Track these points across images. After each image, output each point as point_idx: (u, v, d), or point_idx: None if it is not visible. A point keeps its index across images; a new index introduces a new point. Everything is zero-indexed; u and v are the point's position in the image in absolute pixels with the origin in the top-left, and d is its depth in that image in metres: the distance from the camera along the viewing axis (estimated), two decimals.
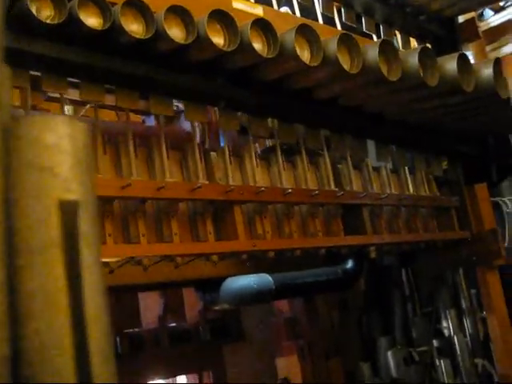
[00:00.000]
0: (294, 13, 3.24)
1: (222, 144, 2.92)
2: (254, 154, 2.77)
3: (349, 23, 3.37)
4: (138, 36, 1.95)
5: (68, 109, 2.64)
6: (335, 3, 3.33)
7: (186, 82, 2.24)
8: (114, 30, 1.92)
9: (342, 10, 3.35)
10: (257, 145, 2.96)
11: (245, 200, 2.59)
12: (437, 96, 2.78)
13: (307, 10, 3.40)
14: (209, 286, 3.62)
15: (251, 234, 2.71)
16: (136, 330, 4.66)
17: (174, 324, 4.87)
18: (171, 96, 2.27)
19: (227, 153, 2.65)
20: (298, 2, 3.24)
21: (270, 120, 2.69)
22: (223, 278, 3.49)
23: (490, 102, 2.91)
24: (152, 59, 2.09)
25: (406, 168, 3.59)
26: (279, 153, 2.89)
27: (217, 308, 4.04)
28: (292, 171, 3.02)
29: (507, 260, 3.94)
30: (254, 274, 3.51)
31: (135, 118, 2.76)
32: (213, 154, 2.66)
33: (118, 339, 4.43)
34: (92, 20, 1.89)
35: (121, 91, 2.14)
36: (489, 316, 3.95)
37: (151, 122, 3.17)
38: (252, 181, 2.73)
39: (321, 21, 3.28)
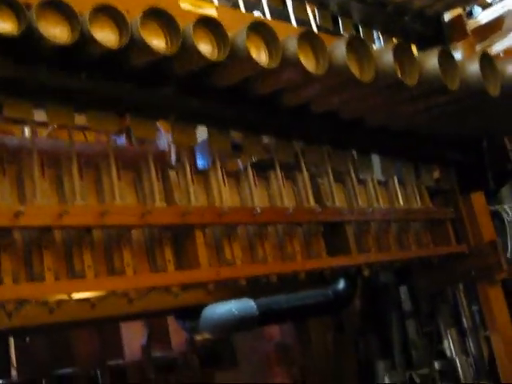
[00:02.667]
0: (264, 16, 2.99)
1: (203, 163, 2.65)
2: (220, 170, 2.51)
3: (324, 25, 3.11)
4: (61, 41, 1.69)
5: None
6: (308, 4, 3.07)
7: (127, 92, 1.97)
8: (33, 36, 1.66)
9: (316, 11, 3.10)
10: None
11: (206, 223, 2.32)
12: (419, 97, 2.50)
13: (281, 13, 3.15)
14: (188, 314, 3.35)
15: (219, 260, 2.44)
16: (119, 361, 4.40)
17: (159, 353, 4.60)
18: (112, 110, 1.99)
19: (188, 170, 2.39)
20: (269, 6, 3.00)
21: (233, 132, 2.42)
22: (204, 305, 3.23)
23: (480, 100, 2.62)
24: (81, 68, 1.82)
25: (395, 179, 3.31)
26: (249, 168, 2.63)
27: (198, 338, 3.78)
28: (265, 188, 2.75)
29: (510, 273, 3.65)
30: (236, 300, 3.25)
31: (80, 136, 2.49)
32: (172, 172, 2.39)
33: (99, 372, 4.17)
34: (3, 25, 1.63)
35: (52, 106, 1.87)
36: (492, 334, 3.65)
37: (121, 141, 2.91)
38: (218, 201, 2.46)
39: (295, 24, 3.03)
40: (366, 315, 4.36)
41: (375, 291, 4.33)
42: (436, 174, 3.54)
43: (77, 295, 1.99)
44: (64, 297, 2.00)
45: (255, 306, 3.28)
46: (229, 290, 3.01)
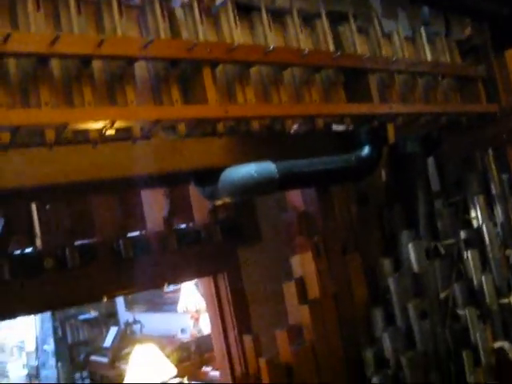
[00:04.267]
0: None
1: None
2: (231, 10, 2.34)
3: None
4: None
5: None
6: None
7: None
8: None
9: None
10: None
11: (215, 59, 2.16)
12: None
13: None
14: (208, 178, 3.26)
15: (230, 102, 2.30)
16: (140, 232, 4.37)
17: (181, 226, 4.57)
18: None
19: (196, 8, 2.22)
20: None
21: None
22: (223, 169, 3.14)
23: None
24: None
25: (423, 32, 3.09)
26: (264, 11, 2.45)
27: (219, 203, 3.71)
28: (281, 33, 2.57)
29: None
30: (255, 162, 3.15)
31: None
32: (178, 9, 2.23)
33: (121, 243, 4.15)
34: None
35: None
36: None
37: None
38: (229, 39, 2.30)
39: None
40: (391, 187, 4.24)
41: (401, 162, 4.19)
42: (468, 31, 3.31)
43: (76, 125, 1.88)
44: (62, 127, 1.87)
45: (275, 169, 3.17)
46: (248, 153, 2.92)
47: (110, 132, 1.98)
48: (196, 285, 9.65)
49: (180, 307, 10.34)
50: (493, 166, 3.71)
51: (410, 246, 3.65)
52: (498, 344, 3.44)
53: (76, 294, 4.06)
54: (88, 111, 1.88)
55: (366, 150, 3.59)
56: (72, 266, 3.83)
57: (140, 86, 2.09)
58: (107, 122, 1.89)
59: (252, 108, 2.31)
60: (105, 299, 4.28)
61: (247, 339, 3.56)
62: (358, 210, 4.12)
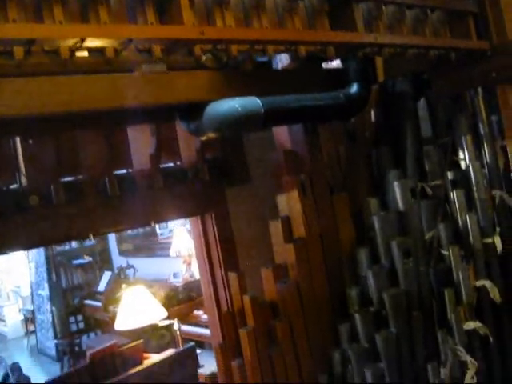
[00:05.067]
0: None
1: None
2: None
3: None
4: None
5: None
6: None
7: None
8: None
9: None
10: None
11: None
12: None
13: None
14: (193, 113, 3.21)
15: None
16: (127, 170, 4.34)
17: (169, 164, 4.54)
18: None
19: None
20: None
21: None
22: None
23: None
24: None
25: None
26: None
27: (203, 138, 3.67)
28: None
29: None
30: (240, 97, 3.10)
31: None
32: None
33: (107, 180, 4.12)
34: None
35: None
36: (510, 144, 3.48)
37: None
38: None
39: None
40: (379, 126, 4.20)
41: (391, 101, 4.14)
42: None
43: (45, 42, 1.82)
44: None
45: (260, 103, 3.12)
46: (235, 89, 2.89)
47: (82, 53, 1.93)
48: (189, 231, 9.69)
49: (172, 252, 10.40)
50: (482, 107, 3.66)
51: (396, 184, 3.63)
52: (479, 282, 3.45)
53: (61, 231, 4.05)
54: (58, 28, 1.82)
55: (354, 88, 3.55)
56: (57, 203, 3.81)
57: (114, 6, 2.03)
58: (77, 39, 1.84)
59: (229, 31, 2.25)
60: (91, 237, 4.27)
61: (232, 276, 3.57)
62: (346, 150, 4.09)
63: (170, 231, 11.80)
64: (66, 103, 2.25)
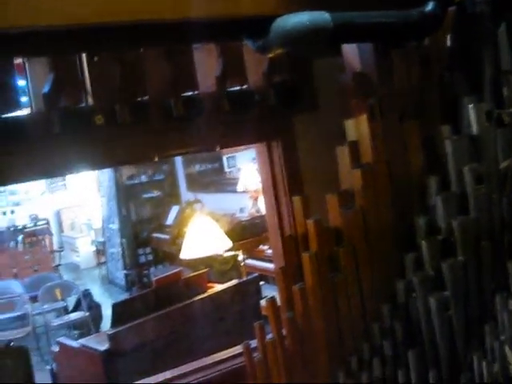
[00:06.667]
0: None
1: None
2: None
3: None
4: None
5: None
6: None
7: None
8: None
9: None
10: None
11: None
12: None
13: None
14: (259, 30, 3.11)
15: None
16: (193, 92, 4.29)
17: (235, 87, 4.46)
18: None
19: None
20: None
21: None
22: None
23: None
24: None
25: None
26: None
27: (270, 55, 3.57)
28: None
29: None
30: (309, 12, 3.00)
31: None
32: None
33: (172, 102, 4.08)
34: None
35: None
36: None
37: None
38: None
39: None
40: (455, 50, 3.99)
41: (469, 24, 3.92)
42: None
43: None
44: None
45: (330, 18, 3.01)
46: (304, 4, 2.81)
47: None
48: (256, 169, 9.68)
49: (240, 187, 10.45)
50: None
51: (471, 107, 3.45)
52: None
53: (127, 152, 4.05)
54: None
55: (429, 6, 3.39)
56: (122, 123, 3.80)
57: None
58: None
59: None
60: (156, 158, 4.27)
61: (296, 200, 3.50)
62: (418, 74, 3.91)
63: (239, 170, 11.86)
64: (134, 12, 2.23)
